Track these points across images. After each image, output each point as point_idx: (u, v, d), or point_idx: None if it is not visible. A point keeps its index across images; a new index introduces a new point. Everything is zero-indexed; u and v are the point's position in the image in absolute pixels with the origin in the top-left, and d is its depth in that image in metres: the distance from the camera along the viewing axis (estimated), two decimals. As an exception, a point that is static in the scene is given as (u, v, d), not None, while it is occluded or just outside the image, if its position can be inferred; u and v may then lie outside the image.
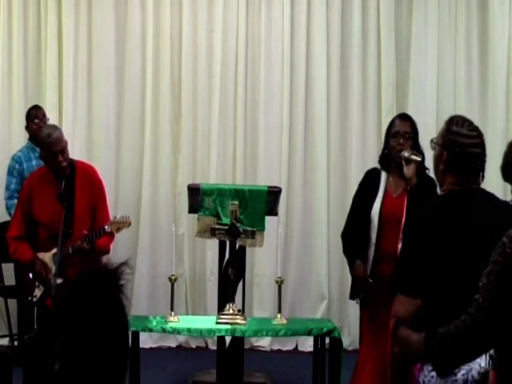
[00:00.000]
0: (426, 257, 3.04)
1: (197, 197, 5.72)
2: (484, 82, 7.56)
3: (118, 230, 5.18)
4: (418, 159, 4.80)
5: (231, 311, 5.42)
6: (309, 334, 5.54)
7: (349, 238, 5.07)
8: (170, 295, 5.51)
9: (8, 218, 5.98)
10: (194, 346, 7.36)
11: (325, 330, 5.41)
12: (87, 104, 7.45)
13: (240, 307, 5.57)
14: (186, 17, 7.45)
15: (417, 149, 4.96)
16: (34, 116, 6.68)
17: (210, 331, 5.49)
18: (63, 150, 5.12)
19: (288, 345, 7.39)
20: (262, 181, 7.11)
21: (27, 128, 6.73)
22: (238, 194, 5.69)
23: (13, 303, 6.76)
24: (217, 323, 5.39)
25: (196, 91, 7.48)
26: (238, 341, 5.76)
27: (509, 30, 7.52)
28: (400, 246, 4.70)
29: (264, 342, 7.34)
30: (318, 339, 5.62)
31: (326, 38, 7.47)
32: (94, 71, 7.46)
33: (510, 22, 7.52)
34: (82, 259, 4.98)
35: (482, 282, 2.60)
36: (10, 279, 6.56)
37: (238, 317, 5.41)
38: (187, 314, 7.18)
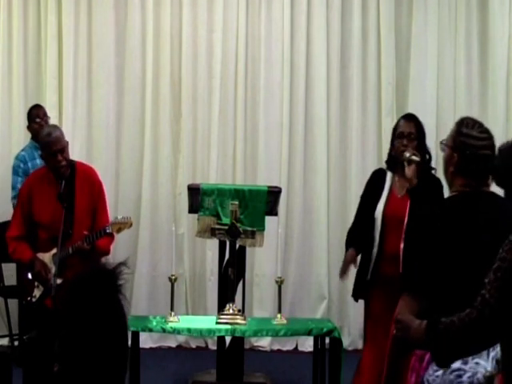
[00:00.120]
0: (434, 258, 3.04)
1: (197, 197, 5.72)
2: (484, 82, 7.56)
3: (119, 230, 5.18)
4: (417, 159, 4.80)
5: (231, 311, 5.42)
6: (309, 334, 5.54)
7: (353, 237, 5.11)
8: (170, 295, 5.51)
9: (8, 218, 5.97)
10: (194, 346, 7.36)
11: (325, 330, 5.41)
12: (87, 104, 7.45)
13: (240, 307, 5.57)
14: (186, 17, 7.45)
15: (423, 149, 4.95)
16: (36, 115, 6.69)
17: (210, 331, 5.49)
18: (63, 150, 5.12)
19: (288, 345, 7.39)
20: (262, 181, 7.10)
21: (29, 127, 6.74)
22: (238, 194, 5.69)
23: (13, 303, 6.76)
24: (217, 323, 5.39)
25: (196, 91, 7.48)
26: (237, 341, 5.76)
27: (509, 30, 7.52)
28: (402, 246, 4.72)
29: (264, 342, 7.34)
30: (318, 339, 5.62)
31: (325, 38, 7.47)
32: (94, 71, 7.46)
33: (510, 22, 7.52)
34: (82, 260, 4.98)
35: (489, 279, 2.60)
36: (10, 279, 6.56)
37: (238, 317, 5.41)
38: (187, 314, 7.18)
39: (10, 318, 6.76)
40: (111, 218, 5.32)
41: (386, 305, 4.72)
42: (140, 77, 7.46)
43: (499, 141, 7.36)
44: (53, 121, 6.79)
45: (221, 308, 5.56)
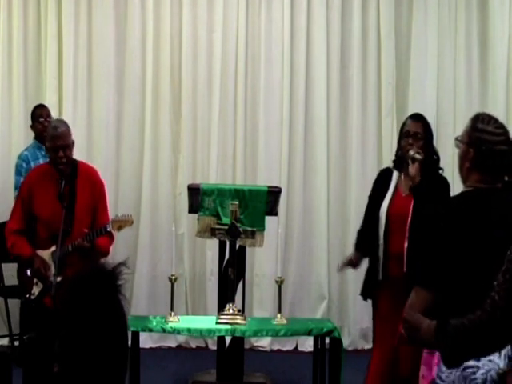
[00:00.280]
0: (446, 252, 3.04)
1: (197, 197, 5.72)
2: (484, 82, 7.56)
3: (120, 228, 5.18)
4: (420, 158, 4.80)
5: (231, 311, 5.42)
6: (309, 334, 5.54)
7: (362, 238, 5.13)
8: (170, 295, 5.51)
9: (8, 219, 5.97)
10: (194, 346, 7.36)
11: (325, 330, 5.41)
12: (87, 104, 7.45)
13: (240, 307, 5.57)
14: (186, 17, 7.45)
15: (430, 150, 4.95)
16: (39, 115, 6.70)
17: (210, 331, 5.49)
18: (66, 147, 5.11)
19: (288, 345, 7.39)
20: (262, 181, 7.10)
21: (32, 127, 6.75)
22: (238, 194, 5.69)
23: (13, 303, 6.76)
24: (217, 323, 5.39)
25: (196, 91, 7.48)
26: (237, 341, 5.76)
27: (509, 30, 7.52)
28: (406, 245, 4.72)
29: (264, 342, 7.34)
30: (318, 339, 5.62)
31: (326, 38, 7.47)
32: (94, 71, 7.46)
33: (510, 22, 7.52)
34: (82, 258, 4.98)
35: (498, 281, 2.59)
36: (10, 279, 6.56)
37: (238, 317, 5.41)
38: (187, 314, 7.18)
39: (10, 318, 6.76)
40: (111, 215, 5.33)
41: (393, 304, 4.72)
42: (140, 77, 7.46)
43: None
44: (53, 121, 6.80)
45: (221, 308, 5.56)
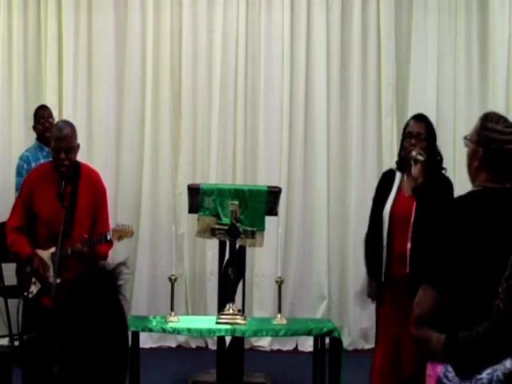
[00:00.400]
0: (454, 251, 3.04)
1: (197, 197, 5.72)
2: (484, 82, 7.56)
3: (120, 238, 5.16)
4: (422, 159, 4.79)
5: (231, 311, 5.42)
6: (309, 334, 5.54)
7: (371, 245, 5.03)
8: (170, 295, 5.51)
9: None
10: (194, 346, 7.36)
11: (325, 330, 5.41)
12: (87, 104, 7.45)
13: (240, 307, 5.57)
14: (186, 17, 7.45)
15: (433, 151, 4.94)
16: (41, 116, 6.70)
17: (210, 331, 5.49)
18: (69, 149, 5.08)
19: (288, 345, 7.39)
20: (262, 181, 7.11)
21: (34, 128, 6.74)
22: (238, 194, 5.69)
23: (13, 303, 6.75)
24: (217, 323, 5.39)
25: (196, 91, 7.48)
26: (238, 341, 5.76)
27: (509, 30, 7.52)
28: (409, 245, 4.71)
29: (264, 342, 7.34)
30: (318, 339, 5.62)
31: (326, 38, 7.47)
32: (94, 71, 7.46)
33: (510, 22, 7.52)
34: (81, 262, 4.97)
35: (502, 287, 2.59)
36: (10, 279, 6.56)
37: (238, 317, 5.41)
38: (187, 314, 7.18)
39: (9, 318, 6.76)
40: (111, 221, 5.32)
41: (396, 305, 4.72)
42: (140, 77, 7.46)
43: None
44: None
45: (221, 308, 5.56)
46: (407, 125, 5.05)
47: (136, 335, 5.23)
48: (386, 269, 4.89)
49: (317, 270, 7.44)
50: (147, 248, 7.40)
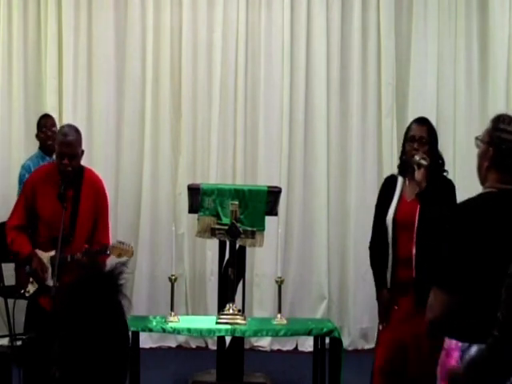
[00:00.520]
0: (464, 253, 3.04)
1: (197, 197, 5.72)
2: (484, 82, 7.56)
3: (120, 256, 5.11)
4: (426, 163, 4.77)
5: (231, 311, 5.42)
6: (309, 334, 5.53)
7: (376, 252, 4.96)
8: (170, 295, 5.50)
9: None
10: (194, 346, 7.36)
11: (325, 330, 5.41)
12: (87, 104, 7.45)
13: (240, 307, 5.57)
14: (186, 16, 7.45)
15: (435, 154, 4.92)
16: (43, 125, 6.70)
17: (210, 331, 5.48)
18: (73, 156, 5.04)
19: (288, 345, 7.39)
20: (262, 181, 7.11)
21: (37, 136, 6.75)
22: (238, 194, 5.69)
23: (13, 303, 6.74)
24: (217, 323, 5.39)
25: (196, 91, 7.48)
26: (237, 341, 5.76)
27: (509, 30, 7.51)
28: (414, 250, 4.69)
29: (264, 342, 7.34)
30: (318, 339, 5.61)
31: (326, 38, 7.47)
32: (94, 71, 7.46)
33: (510, 22, 7.52)
34: (79, 271, 4.95)
35: (503, 297, 2.59)
36: (10, 279, 6.55)
37: (238, 317, 5.41)
38: (187, 314, 7.19)
39: (9, 318, 6.75)
40: (111, 225, 5.31)
41: (400, 309, 4.70)
42: (140, 77, 7.46)
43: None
44: (53, 121, 6.80)
45: (221, 308, 5.56)
46: (409, 128, 5.00)
47: (136, 335, 5.23)
48: (392, 274, 4.85)
49: (317, 270, 7.44)
50: (147, 248, 7.40)
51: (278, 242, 5.85)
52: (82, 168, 5.22)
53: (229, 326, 5.35)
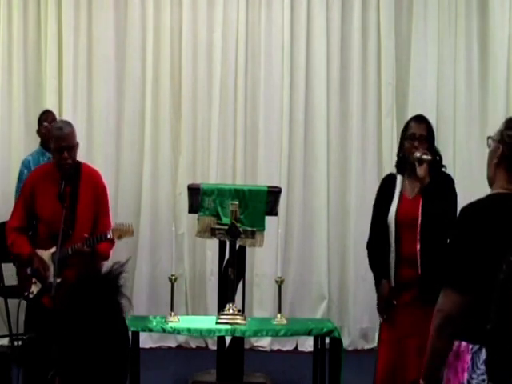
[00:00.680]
0: (475, 254, 3.04)
1: (197, 197, 5.72)
2: (484, 82, 7.56)
3: (120, 237, 5.15)
4: (429, 158, 4.77)
5: (231, 311, 5.42)
6: (309, 334, 5.53)
7: (374, 250, 4.95)
8: (170, 295, 5.51)
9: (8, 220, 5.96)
10: (194, 346, 7.36)
11: (325, 330, 5.41)
12: (87, 104, 7.45)
13: (240, 307, 5.57)
14: (186, 16, 7.45)
15: (433, 151, 4.92)
16: (44, 120, 6.70)
17: (210, 331, 5.48)
18: (71, 148, 5.10)
19: (288, 345, 7.39)
20: (262, 181, 7.11)
21: (38, 132, 6.75)
22: (238, 194, 5.69)
23: (13, 303, 6.75)
24: (217, 323, 5.39)
25: (196, 91, 7.48)
26: (237, 341, 5.76)
27: (509, 30, 7.52)
28: (418, 247, 4.68)
29: (264, 342, 7.34)
30: (318, 339, 5.61)
31: (326, 38, 7.47)
32: (94, 71, 7.46)
33: (510, 22, 7.52)
34: (81, 261, 4.97)
35: (495, 294, 2.60)
36: (10, 279, 6.56)
37: (238, 317, 5.41)
38: (187, 314, 7.19)
39: (9, 318, 6.75)
40: (112, 222, 5.32)
41: (405, 308, 4.70)
42: (140, 77, 7.46)
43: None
44: (53, 121, 6.80)
45: (221, 308, 5.56)
46: (408, 126, 5.00)
47: (136, 335, 5.24)
48: (395, 273, 4.84)
49: (317, 270, 7.44)
50: (147, 248, 7.40)
51: (277, 242, 5.85)
52: (79, 163, 5.24)
53: (229, 326, 5.35)
